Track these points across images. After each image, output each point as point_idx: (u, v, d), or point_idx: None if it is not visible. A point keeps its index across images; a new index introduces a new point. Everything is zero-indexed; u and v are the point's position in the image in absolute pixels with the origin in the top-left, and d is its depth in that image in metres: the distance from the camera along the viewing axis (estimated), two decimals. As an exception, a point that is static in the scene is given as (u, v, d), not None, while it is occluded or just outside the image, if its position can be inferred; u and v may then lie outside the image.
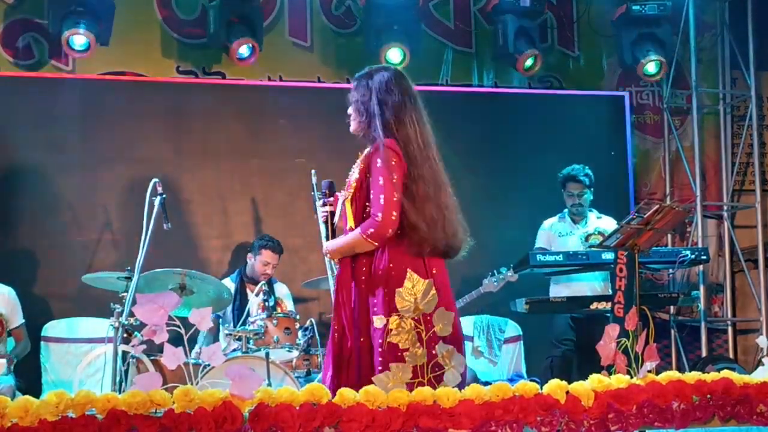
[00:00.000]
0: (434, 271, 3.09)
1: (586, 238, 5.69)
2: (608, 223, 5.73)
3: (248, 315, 5.05)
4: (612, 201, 6.38)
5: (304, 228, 6.23)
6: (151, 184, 4.57)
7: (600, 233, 5.61)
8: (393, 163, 3.07)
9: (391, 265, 3.07)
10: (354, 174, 3.20)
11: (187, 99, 6.34)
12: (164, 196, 4.57)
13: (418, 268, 3.04)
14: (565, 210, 5.89)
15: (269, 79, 6.58)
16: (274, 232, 5.99)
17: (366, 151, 3.20)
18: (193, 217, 6.22)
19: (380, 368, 2.99)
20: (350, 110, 3.28)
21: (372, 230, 3.06)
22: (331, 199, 3.37)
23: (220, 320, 5.57)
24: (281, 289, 5.86)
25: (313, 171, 4.39)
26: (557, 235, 5.81)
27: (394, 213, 3.04)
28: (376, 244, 3.08)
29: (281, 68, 6.61)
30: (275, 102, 6.50)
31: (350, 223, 3.17)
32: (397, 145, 3.11)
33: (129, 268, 4.65)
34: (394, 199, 3.04)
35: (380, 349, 3.04)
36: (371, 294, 3.09)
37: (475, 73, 6.92)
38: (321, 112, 6.44)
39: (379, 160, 3.08)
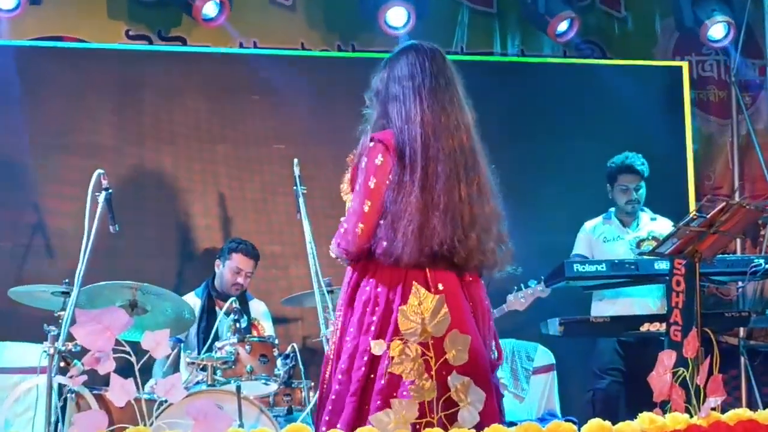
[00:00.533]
0: (440, 287, 3.18)
1: (638, 244, 5.68)
2: (664, 226, 5.73)
3: (216, 339, 5.05)
4: (667, 197, 6.38)
5: (283, 232, 6.23)
6: (95, 176, 4.57)
7: (654, 239, 5.61)
8: (377, 163, 3.19)
9: (371, 280, 3.22)
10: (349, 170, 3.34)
11: (139, 71, 6.34)
12: (110, 191, 4.57)
13: (409, 281, 3.12)
14: (611, 209, 5.89)
15: (241, 46, 6.58)
16: (247, 235, 5.98)
17: None
18: (147, 217, 6.22)
19: (378, 403, 3.01)
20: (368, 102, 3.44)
21: (339, 241, 3.25)
22: None
23: (182, 345, 5.57)
24: (257, 308, 5.85)
25: (295, 160, 4.39)
26: (602, 240, 5.81)
27: (361, 225, 3.17)
28: (345, 258, 3.25)
29: (256, 32, 6.60)
30: (249, 74, 6.50)
31: None
32: (392, 139, 3.20)
33: (67, 280, 4.64)
34: (365, 209, 3.17)
35: (382, 382, 3.08)
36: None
37: (497, 39, 6.92)
38: (305, 87, 6.44)
39: (364, 159, 3.23)
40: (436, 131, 3.21)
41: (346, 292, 3.30)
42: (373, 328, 3.18)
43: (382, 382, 3.10)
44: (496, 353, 3.32)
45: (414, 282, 2.99)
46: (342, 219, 3.28)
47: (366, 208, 3.17)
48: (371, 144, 3.22)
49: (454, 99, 3.28)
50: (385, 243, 3.15)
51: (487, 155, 3.38)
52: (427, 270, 3.18)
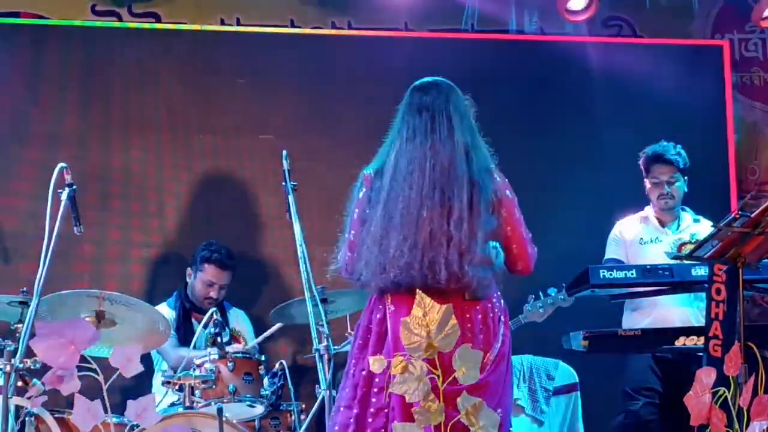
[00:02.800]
0: (391, 308, 3.76)
1: (680, 248, 5.64)
2: (708, 228, 5.69)
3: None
4: (706, 194, 6.38)
5: (272, 232, 6.24)
6: (56, 170, 4.57)
7: (698, 242, 5.57)
8: (360, 195, 3.89)
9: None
10: None
11: (106, 51, 6.35)
12: (74, 187, 4.57)
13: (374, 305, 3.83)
14: (648, 207, 5.88)
15: (223, 23, 6.58)
16: (229, 237, 5.99)
17: None
18: (116, 216, 6.23)
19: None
20: None
21: (338, 267, 3.94)
22: None
23: (160, 362, 5.58)
24: (237, 318, 5.86)
25: (284, 152, 4.38)
26: (638, 242, 5.78)
27: (348, 254, 3.87)
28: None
29: (240, 7, 6.61)
30: (231, 55, 6.51)
31: None
32: (370, 176, 3.89)
33: (25, 289, 4.64)
34: (351, 237, 3.87)
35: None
36: None
37: (513, 15, 6.92)
38: (295, 69, 6.44)
39: (353, 194, 3.93)
40: (408, 163, 3.79)
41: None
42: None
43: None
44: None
45: (419, 293, 3.04)
46: None
47: (352, 237, 3.86)
48: (359, 181, 3.91)
49: (440, 130, 3.83)
50: (355, 270, 3.82)
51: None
52: (388, 295, 3.75)
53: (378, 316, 3.78)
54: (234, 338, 5.66)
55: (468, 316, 3.76)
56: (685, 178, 5.77)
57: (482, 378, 3.60)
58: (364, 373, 3.71)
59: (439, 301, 3.32)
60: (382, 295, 3.78)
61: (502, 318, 3.86)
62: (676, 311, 5.61)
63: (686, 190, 5.80)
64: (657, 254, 5.65)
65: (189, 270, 5.77)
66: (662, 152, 5.72)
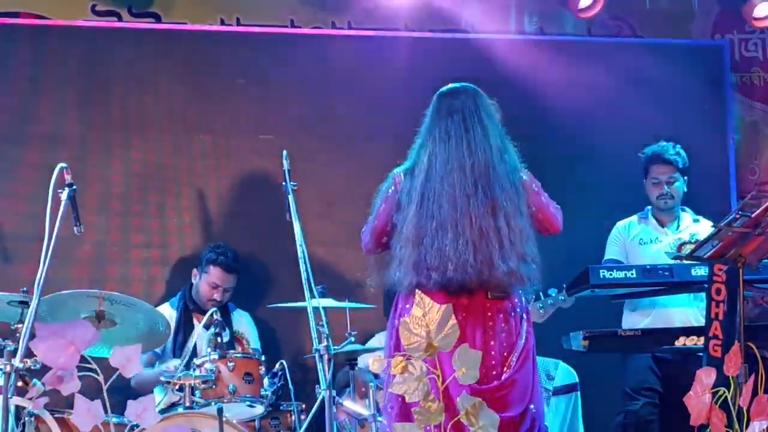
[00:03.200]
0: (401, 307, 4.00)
1: (680, 248, 5.65)
2: (708, 228, 5.70)
3: (194, 355, 5.05)
4: (706, 194, 6.38)
5: (272, 233, 6.23)
6: (57, 170, 4.56)
7: (698, 242, 5.58)
8: (389, 192, 4.10)
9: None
10: None
11: (107, 51, 6.34)
12: (74, 187, 4.56)
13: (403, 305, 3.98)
14: (648, 207, 5.88)
15: (223, 23, 6.58)
16: (229, 237, 5.99)
17: None
18: (116, 217, 6.23)
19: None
20: None
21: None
22: None
23: (157, 362, 5.58)
24: (241, 320, 5.85)
25: (284, 152, 4.38)
26: (638, 242, 5.79)
27: (368, 235, 4.18)
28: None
29: (240, 7, 6.61)
30: (231, 55, 6.50)
31: None
32: (400, 177, 4.09)
33: (25, 289, 4.64)
34: (374, 223, 4.15)
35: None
36: None
37: (513, 15, 6.92)
38: (295, 69, 6.44)
39: (383, 186, 4.16)
40: (444, 166, 3.95)
41: None
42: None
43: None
44: (510, 372, 3.87)
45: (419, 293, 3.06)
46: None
47: (374, 223, 4.15)
48: (390, 178, 4.12)
49: (473, 132, 4.01)
50: (384, 273, 4.03)
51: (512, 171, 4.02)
52: (417, 291, 3.67)
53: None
54: (236, 340, 5.66)
55: (489, 314, 3.94)
56: (685, 178, 5.78)
57: (508, 376, 3.86)
58: None
59: (464, 300, 3.86)
60: (411, 293, 3.86)
61: (525, 315, 4.04)
62: (675, 311, 5.61)
63: (685, 189, 5.80)
64: (657, 254, 5.66)
65: (195, 270, 5.77)
66: (661, 152, 5.73)
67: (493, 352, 3.89)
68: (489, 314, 3.93)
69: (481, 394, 3.53)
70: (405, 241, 3.93)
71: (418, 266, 3.89)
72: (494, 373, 3.87)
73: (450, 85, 4.18)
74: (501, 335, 3.91)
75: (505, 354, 3.91)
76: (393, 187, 4.07)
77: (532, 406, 3.88)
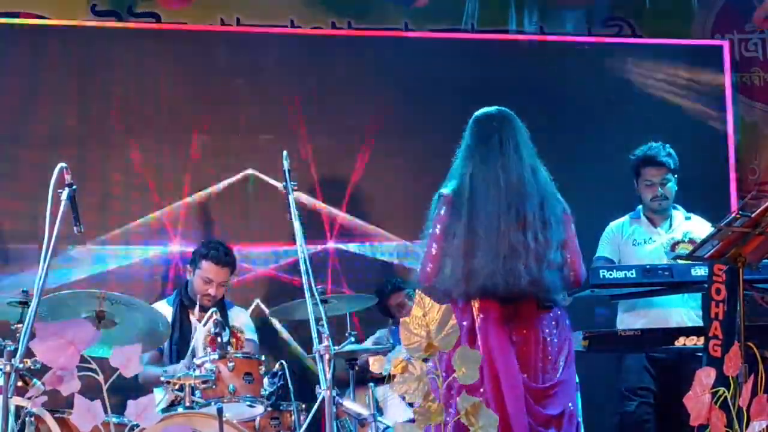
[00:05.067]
0: (480, 316, 4.18)
1: (672, 247, 5.66)
2: (701, 226, 5.72)
3: (193, 354, 5.05)
4: (706, 194, 6.39)
5: (272, 232, 6.24)
6: (56, 170, 4.56)
7: (691, 240, 5.59)
8: (441, 213, 4.29)
9: None
10: None
11: (105, 51, 6.34)
12: (74, 187, 4.56)
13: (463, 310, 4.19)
14: (640, 207, 5.88)
15: (222, 24, 6.58)
16: (229, 237, 5.99)
17: None
18: (116, 217, 6.22)
19: None
20: None
21: (417, 276, 4.33)
22: None
23: (163, 358, 5.58)
24: (240, 318, 5.85)
25: (284, 152, 4.38)
26: (630, 242, 5.80)
27: (430, 265, 4.27)
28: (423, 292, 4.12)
29: (240, 7, 6.61)
30: (231, 55, 6.50)
31: None
32: (449, 196, 4.30)
33: (25, 289, 4.64)
34: (432, 252, 4.28)
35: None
36: None
37: (513, 15, 6.92)
38: (295, 69, 6.44)
39: (434, 211, 4.34)
40: (483, 182, 4.24)
41: None
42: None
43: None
44: (560, 374, 4.24)
45: (419, 293, 3.09)
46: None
47: (433, 251, 4.27)
48: (438, 199, 4.32)
49: (507, 152, 4.32)
50: (439, 280, 4.21)
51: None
52: (472, 302, 4.16)
53: (465, 323, 4.16)
54: (233, 334, 5.66)
55: (544, 323, 4.26)
56: (676, 177, 5.79)
57: (559, 378, 4.22)
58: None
59: (517, 310, 4.22)
60: (467, 301, 4.19)
61: (567, 322, 4.37)
62: (670, 312, 5.61)
63: (677, 188, 5.81)
64: (650, 254, 5.67)
65: (188, 267, 5.76)
66: (654, 154, 5.74)
67: (542, 355, 4.23)
68: (544, 323, 4.26)
69: (536, 392, 4.14)
70: (456, 255, 4.19)
71: (468, 277, 4.16)
72: (546, 375, 4.23)
73: (485, 110, 4.47)
74: (554, 341, 4.25)
75: (555, 357, 4.25)
76: (444, 207, 4.29)
77: (570, 404, 4.24)
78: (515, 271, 4.16)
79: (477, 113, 4.50)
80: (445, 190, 4.34)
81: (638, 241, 5.79)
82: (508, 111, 4.51)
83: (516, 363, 4.16)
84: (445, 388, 3.93)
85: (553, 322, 4.30)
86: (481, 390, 4.05)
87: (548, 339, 4.26)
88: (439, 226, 4.30)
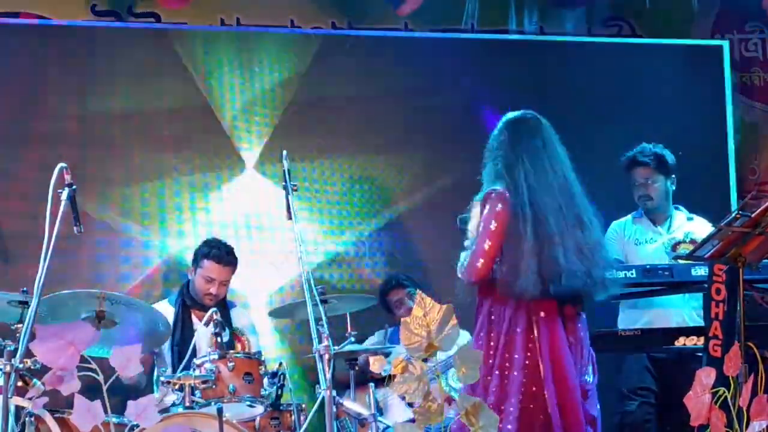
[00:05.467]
0: (541, 314, 4.19)
1: (674, 247, 5.66)
2: (702, 227, 5.71)
3: (194, 354, 5.05)
4: (706, 194, 6.39)
5: (273, 232, 6.24)
6: (56, 170, 4.56)
7: (693, 241, 5.59)
8: (497, 209, 4.24)
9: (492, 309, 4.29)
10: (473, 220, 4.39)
11: (106, 51, 6.34)
12: (74, 187, 4.56)
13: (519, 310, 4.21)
14: (640, 207, 5.89)
15: (222, 23, 6.58)
16: (229, 237, 5.99)
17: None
18: (116, 215, 6.22)
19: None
20: None
21: (463, 271, 4.29)
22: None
23: (155, 360, 5.58)
24: (241, 317, 5.85)
25: (284, 152, 4.39)
26: (633, 242, 5.80)
27: (481, 260, 4.23)
28: (468, 284, 4.33)
29: (239, 7, 6.61)
30: (231, 55, 6.50)
31: None
32: (507, 193, 4.25)
33: (25, 289, 4.64)
34: (485, 247, 4.23)
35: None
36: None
37: (513, 15, 6.92)
38: (295, 69, 6.44)
39: (488, 206, 4.28)
40: (539, 185, 4.26)
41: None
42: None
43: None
44: (591, 377, 4.41)
45: (420, 294, 3.09)
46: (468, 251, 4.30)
47: (486, 247, 4.22)
48: (493, 196, 4.26)
49: (552, 154, 4.39)
50: (508, 281, 4.17)
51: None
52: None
53: (520, 324, 4.18)
54: (236, 337, 5.66)
55: (582, 324, 4.36)
56: (672, 177, 5.78)
57: (595, 380, 4.43)
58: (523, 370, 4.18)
59: (566, 310, 4.29)
60: (529, 301, 4.18)
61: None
62: (671, 312, 5.61)
63: (673, 188, 5.79)
64: (652, 254, 5.67)
65: (190, 267, 5.76)
66: (635, 155, 5.77)
67: (581, 356, 4.35)
68: (581, 322, 4.37)
69: (584, 392, 4.33)
70: (526, 253, 4.18)
71: (538, 276, 4.17)
72: (587, 377, 4.39)
73: (516, 113, 4.52)
74: (585, 341, 4.39)
75: (587, 358, 4.41)
76: (500, 204, 4.25)
77: (598, 406, 4.46)
78: (589, 270, 4.23)
79: (510, 116, 4.53)
80: (499, 187, 4.31)
81: (640, 241, 5.80)
82: (535, 114, 4.59)
83: (573, 363, 4.27)
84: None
85: (585, 324, 4.41)
86: (545, 393, 4.15)
87: (585, 340, 4.38)
88: (495, 223, 4.26)
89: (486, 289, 4.33)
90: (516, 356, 4.18)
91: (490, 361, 4.20)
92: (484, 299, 4.35)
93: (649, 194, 5.74)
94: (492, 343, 4.24)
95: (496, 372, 4.18)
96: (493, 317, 4.29)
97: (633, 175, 5.80)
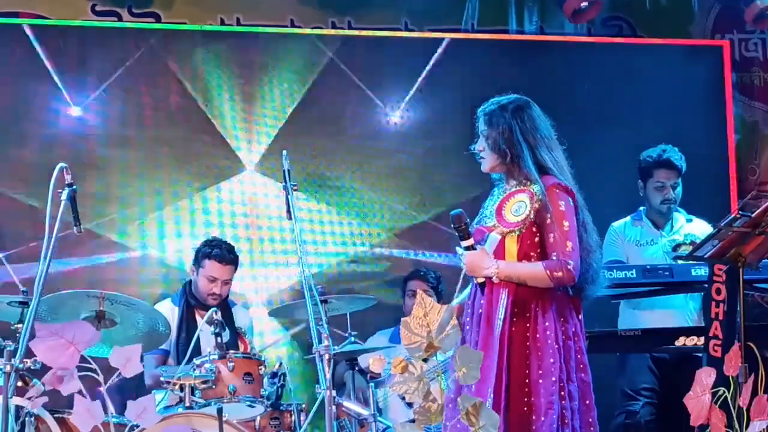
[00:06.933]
0: (580, 317, 4.08)
1: (674, 249, 5.66)
2: (702, 228, 5.71)
3: (197, 353, 5.05)
4: (706, 194, 6.39)
5: (272, 231, 6.24)
6: (56, 170, 4.56)
7: (693, 243, 5.58)
8: (571, 205, 4.04)
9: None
10: (522, 210, 4.07)
11: (107, 51, 6.34)
12: (74, 187, 4.56)
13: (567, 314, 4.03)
14: (642, 209, 5.87)
15: (223, 23, 6.58)
16: (229, 237, 5.99)
17: (515, 186, 4.13)
18: (116, 216, 6.22)
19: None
20: (480, 146, 4.21)
21: (560, 275, 3.96)
22: (471, 240, 4.06)
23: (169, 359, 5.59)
24: (242, 318, 5.84)
25: (284, 152, 4.39)
26: (634, 244, 5.79)
27: (578, 257, 3.99)
28: (553, 286, 4.00)
29: (240, 7, 6.61)
30: (231, 54, 6.50)
31: (510, 259, 4.04)
32: (564, 184, 4.07)
33: (25, 288, 4.64)
34: (577, 243, 4.00)
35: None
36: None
37: (513, 15, 6.92)
38: (295, 69, 6.44)
39: (562, 203, 4.03)
40: (570, 173, 4.16)
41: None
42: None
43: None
44: None
45: (420, 294, 3.09)
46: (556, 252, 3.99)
47: (575, 245, 3.99)
48: (560, 190, 4.04)
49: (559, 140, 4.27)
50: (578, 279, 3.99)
51: None
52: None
53: (572, 324, 4.03)
54: (239, 336, 5.65)
55: None
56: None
57: None
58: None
59: None
60: (577, 301, 4.06)
61: None
62: (671, 312, 5.61)
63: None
64: (653, 256, 5.67)
65: (192, 267, 5.75)
66: (668, 158, 5.73)
67: None
68: None
69: None
70: (585, 253, 4.05)
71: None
72: None
73: (522, 97, 4.43)
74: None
75: None
76: (570, 199, 4.08)
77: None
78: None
79: (521, 99, 4.40)
80: (560, 180, 4.10)
81: (641, 243, 5.79)
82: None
83: None
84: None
85: None
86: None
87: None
88: (574, 220, 4.05)
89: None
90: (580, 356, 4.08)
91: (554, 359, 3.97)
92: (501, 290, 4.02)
93: (675, 198, 5.73)
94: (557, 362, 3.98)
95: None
96: (555, 319, 4.02)
97: (657, 175, 5.73)
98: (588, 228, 4.10)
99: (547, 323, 3.98)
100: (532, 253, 4.03)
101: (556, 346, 3.94)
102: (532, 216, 4.03)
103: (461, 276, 4.21)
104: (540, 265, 4.00)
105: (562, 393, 3.94)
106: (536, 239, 4.03)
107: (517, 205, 4.11)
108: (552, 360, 3.92)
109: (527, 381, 3.90)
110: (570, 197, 4.06)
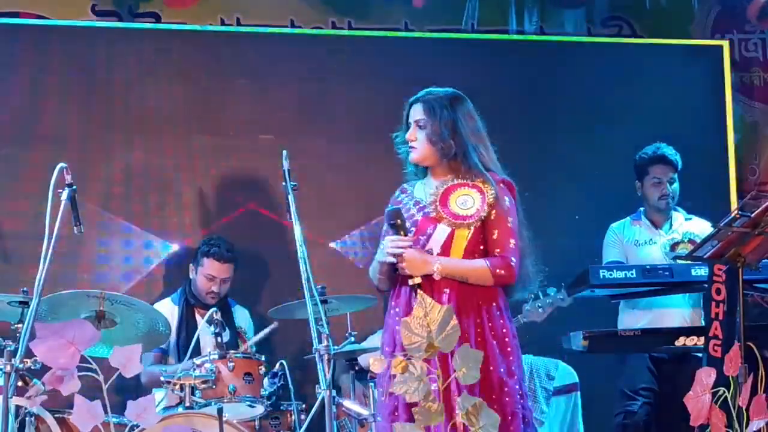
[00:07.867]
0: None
1: (672, 247, 5.67)
2: (701, 227, 5.72)
3: (198, 353, 5.05)
4: (706, 194, 6.39)
5: (272, 232, 6.24)
6: (57, 170, 4.56)
7: (691, 241, 5.59)
8: (514, 203, 4.01)
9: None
10: (475, 204, 3.99)
11: (106, 51, 6.34)
12: (74, 187, 4.56)
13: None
14: (641, 209, 5.88)
15: (222, 23, 6.58)
16: (229, 237, 5.98)
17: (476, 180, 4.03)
18: (116, 217, 6.22)
19: None
20: (412, 135, 4.15)
21: (502, 272, 3.95)
22: (411, 235, 4.03)
23: (165, 359, 5.58)
24: (243, 317, 5.85)
25: (284, 152, 4.38)
26: (633, 243, 5.80)
27: (518, 257, 3.99)
28: (493, 284, 3.97)
29: (240, 7, 6.61)
30: (231, 55, 6.50)
31: (455, 255, 3.99)
32: (512, 185, 4.04)
33: (25, 288, 4.64)
34: (518, 241, 3.99)
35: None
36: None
37: (513, 15, 6.93)
38: (295, 69, 6.44)
39: (507, 199, 4.00)
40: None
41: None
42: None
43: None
44: None
45: (420, 294, 3.12)
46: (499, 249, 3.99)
47: (516, 243, 3.98)
48: (505, 187, 4.01)
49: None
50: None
51: (499, 144, 4.10)
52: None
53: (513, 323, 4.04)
54: (239, 336, 5.66)
55: None
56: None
57: None
58: None
59: None
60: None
61: None
62: (671, 312, 5.61)
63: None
64: (652, 255, 5.67)
65: (191, 266, 5.76)
66: (664, 153, 5.75)
67: None
68: None
69: None
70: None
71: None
72: None
73: (453, 89, 4.25)
74: None
75: None
76: (513, 198, 4.06)
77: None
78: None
79: (459, 93, 4.23)
80: (505, 177, 4.07)
81: (640, 243, 5.79)
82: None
83: None
84: None
85: None
86: None
87: None
88: (516, 218, 4.03)
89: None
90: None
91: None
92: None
93: (672, 194, 5.73)
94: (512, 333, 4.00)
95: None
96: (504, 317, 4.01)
97: (653, 171, 5.75)
98: (523, 225, 4.07)
99: (501, 321, 3.95)
100: (479, 249, 3.99)
101: (515, 343, 3.95)
102: (485, 212, 3.96)
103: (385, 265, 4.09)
104: (482, 261, 3.96)
105: (521, 392, 3.91)
106: (481, 236, 3.99)
107: (463, 198, 4.03)
108: (512, 358, 3.91)
109: (491, 381, 3.83)
110: (512, 195, 4.04)
